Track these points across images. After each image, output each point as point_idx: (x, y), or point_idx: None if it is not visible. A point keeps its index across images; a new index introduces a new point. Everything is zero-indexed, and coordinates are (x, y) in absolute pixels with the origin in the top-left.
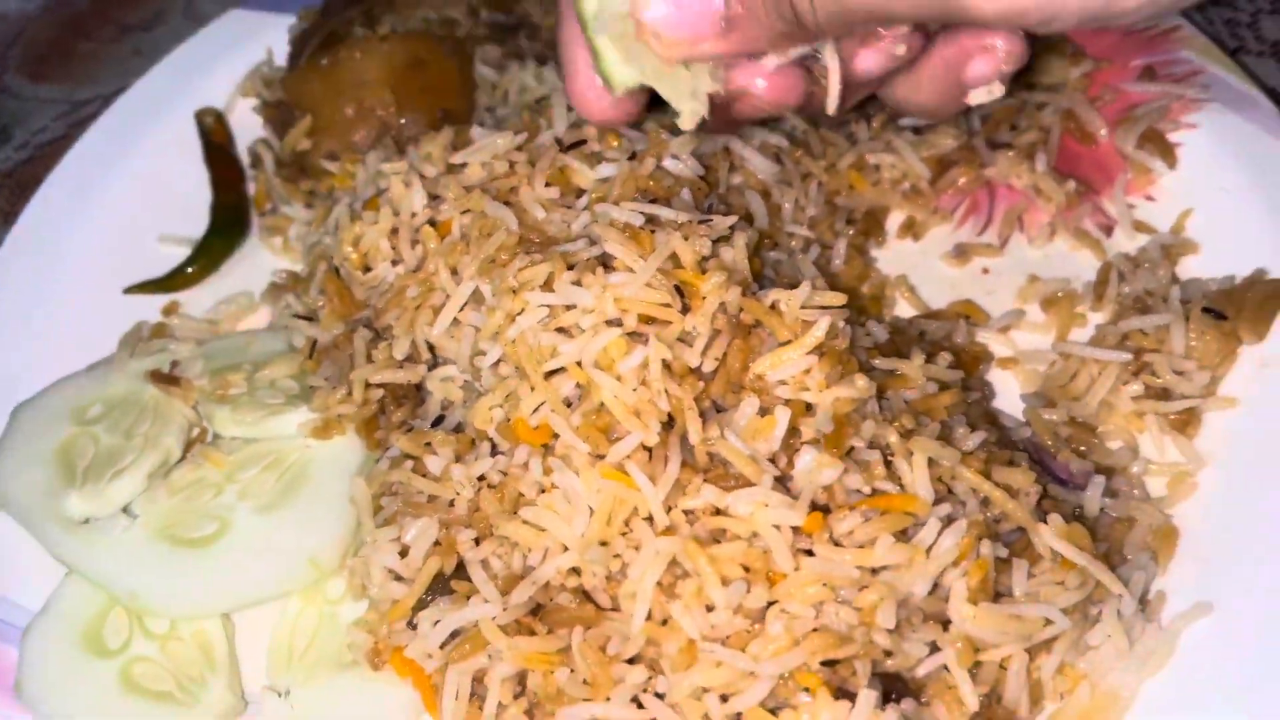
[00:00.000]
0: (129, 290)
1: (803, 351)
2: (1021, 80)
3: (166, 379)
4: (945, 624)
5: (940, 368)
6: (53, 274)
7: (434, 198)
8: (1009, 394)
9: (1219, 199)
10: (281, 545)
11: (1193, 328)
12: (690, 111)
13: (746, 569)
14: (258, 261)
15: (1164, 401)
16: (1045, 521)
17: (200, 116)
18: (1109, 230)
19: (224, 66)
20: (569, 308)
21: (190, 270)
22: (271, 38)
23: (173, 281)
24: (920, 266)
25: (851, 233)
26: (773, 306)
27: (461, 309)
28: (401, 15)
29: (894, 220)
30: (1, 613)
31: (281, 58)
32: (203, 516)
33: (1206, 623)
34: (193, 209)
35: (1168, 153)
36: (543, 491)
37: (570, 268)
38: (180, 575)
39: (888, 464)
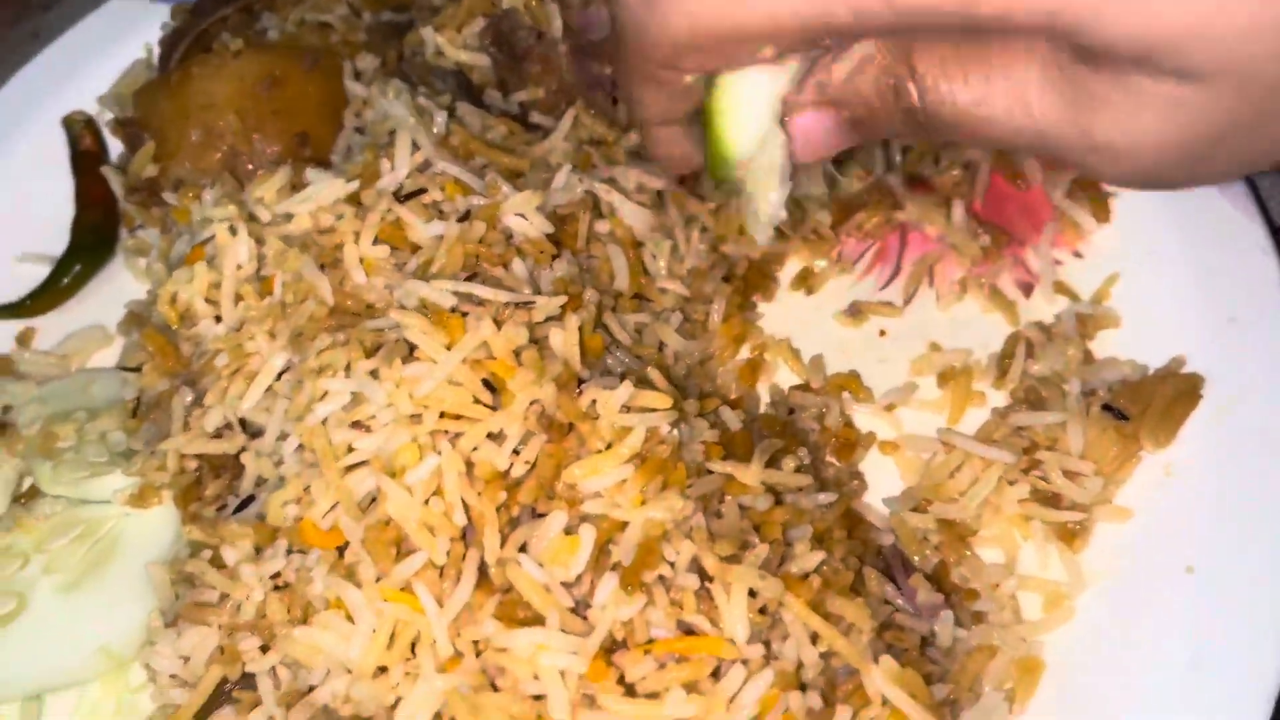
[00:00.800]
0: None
1: (618, 461)
2: None
3: None
4: None
5: (786, 473)
6: None
7: (261, 243)
8: (889, 482)
9: (1150, 265)
10: (77, 631)
11: (1091, 426)
12: (769, 220)
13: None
14: (123, 286)
15: (1052, 509)
16: (879, 659)
17: (68, 122)
18: (1029, 289)
19: (103, 64)
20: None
21: (46, 294)
22: (156, 32)
23: (26, 306)
24: (811, 325)
25: (730, 290)
26: (590, 407)
27: (278, 379)
28: (281, 15)
29: (790, 269)
30: None
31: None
32: (3, 592)
33: None
34: (59, 225)
35: (1100, 206)
36: (328, 604)
37: (372, 352)
38: None
39: (705, 592)
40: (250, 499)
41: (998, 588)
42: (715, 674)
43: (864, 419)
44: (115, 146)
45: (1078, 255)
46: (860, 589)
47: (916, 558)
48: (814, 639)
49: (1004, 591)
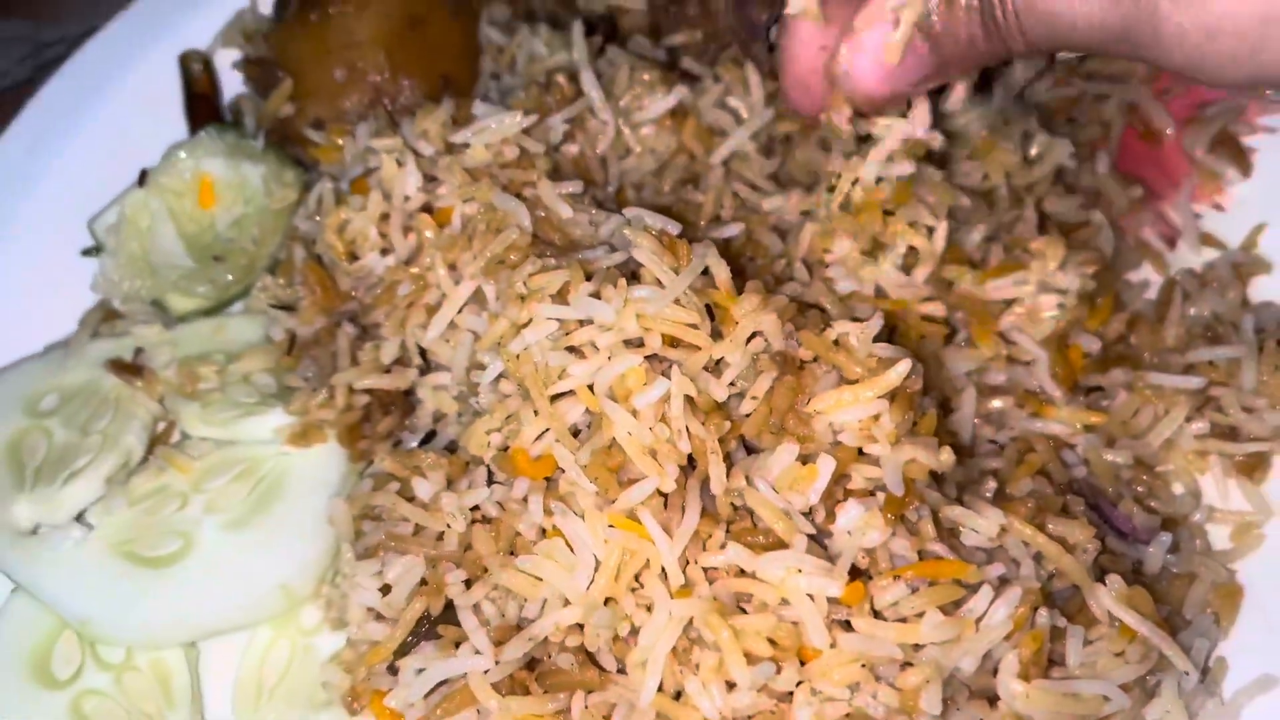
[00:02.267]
0: (87, 252)
1: (875, 394)
2: (1082, 67)
3: (129, 369)
4: (993, 699)
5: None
6: (8, 237)
7: (430, 180)
8: None
9: None
10: (251, 569)
11: (1265, 361)
12: None
13: (774, 643)
14: None
15: (1231, 442)
16: (1104, 581)
17: (185, 61)
18: (1172, 242)
19: (205, 10)
20: (584, 323)
21: None
22: None
23: None
24: None
25: None
26: (838, 342)
27: (459, 311)
28: None
29: None
30: None
31: (268, 6)
32: (165, 532)
33: (1271, 699)
34: None
35: (1241, 159)
36: (544, 534)
37: (589, 277)
38: (138, 600)
39: (936, 522)
40: (431, 435)
41: (1188, 518)
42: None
43: None
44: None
45: (1218, 208)
46: (1069, 514)
47: (1111, 490)
48: (1037, 561)
49: (1195, 521)
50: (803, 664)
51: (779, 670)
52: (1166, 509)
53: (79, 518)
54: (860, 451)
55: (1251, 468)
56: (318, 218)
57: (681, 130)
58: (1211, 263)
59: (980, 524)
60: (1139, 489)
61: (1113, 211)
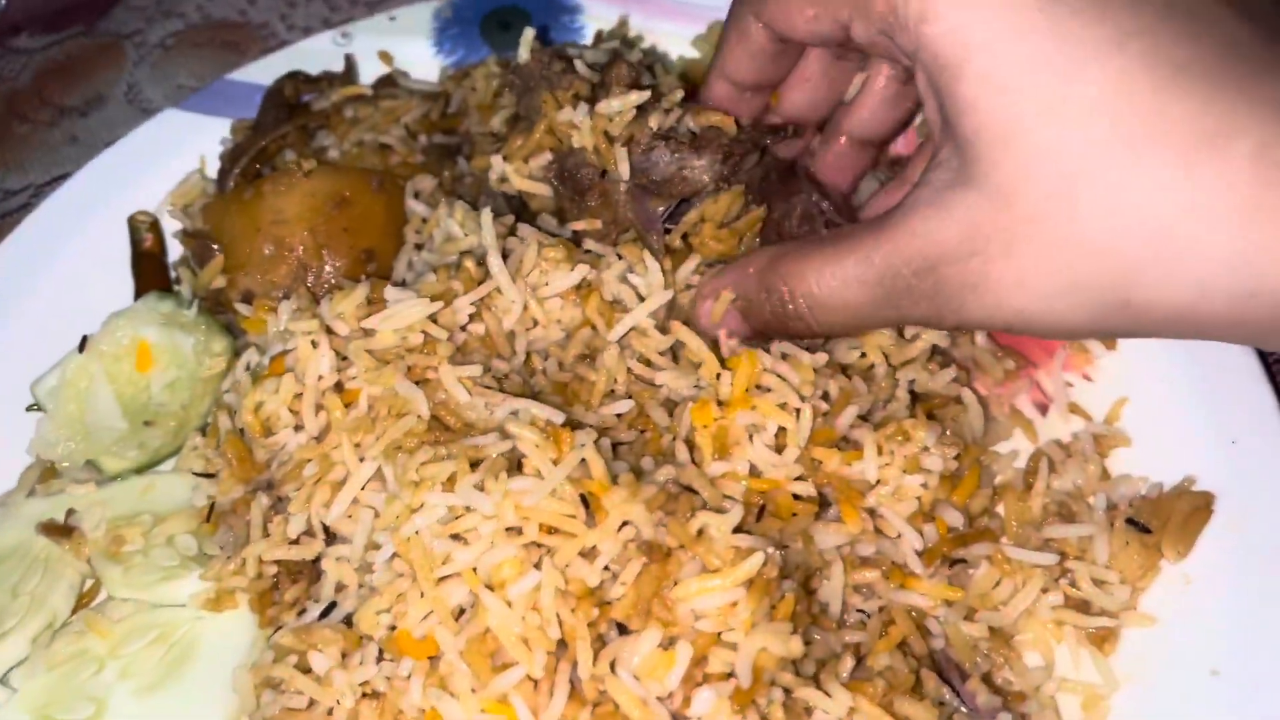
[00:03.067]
0: (31, 409)
1: (733, 582)
2: None
3: (60, 530)
4: None
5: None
6: None
7: (344, 359)
8: None
9: (1156, 390)
10: None
11: (1116, 538)
12: None
13: None
14: None
15: (1084, 615)
16: None
17: (134, 222)
18: (1044, 409)
19: (156, 173)
20: (469, 510)
21: None
22: (208, 144)
23: None
24: None
25: None
26: (701, 531)
27: (363, 489)
28: (338, 134)
29: None
30: None
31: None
32: (80, 697)
33: None
34: None
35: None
36: (423, 715)
37: (475, 465)
38: None
39: (792, 703)
40: (332, 605)
41: (1038, 690)
42: None
43: None
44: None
45: (1088, 379)
46: (919, 692)
47: (966, 663)
48: None
49: (1045, 693)
50: None
51: None
52: (1019, 682)
53: (3, 678)
54: (720, 635)
55: (1101, 640)
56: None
57: (585, 304)
58: (1076, 433)
59: (830, 705)
60: (997, 659)
61: (988, 382)
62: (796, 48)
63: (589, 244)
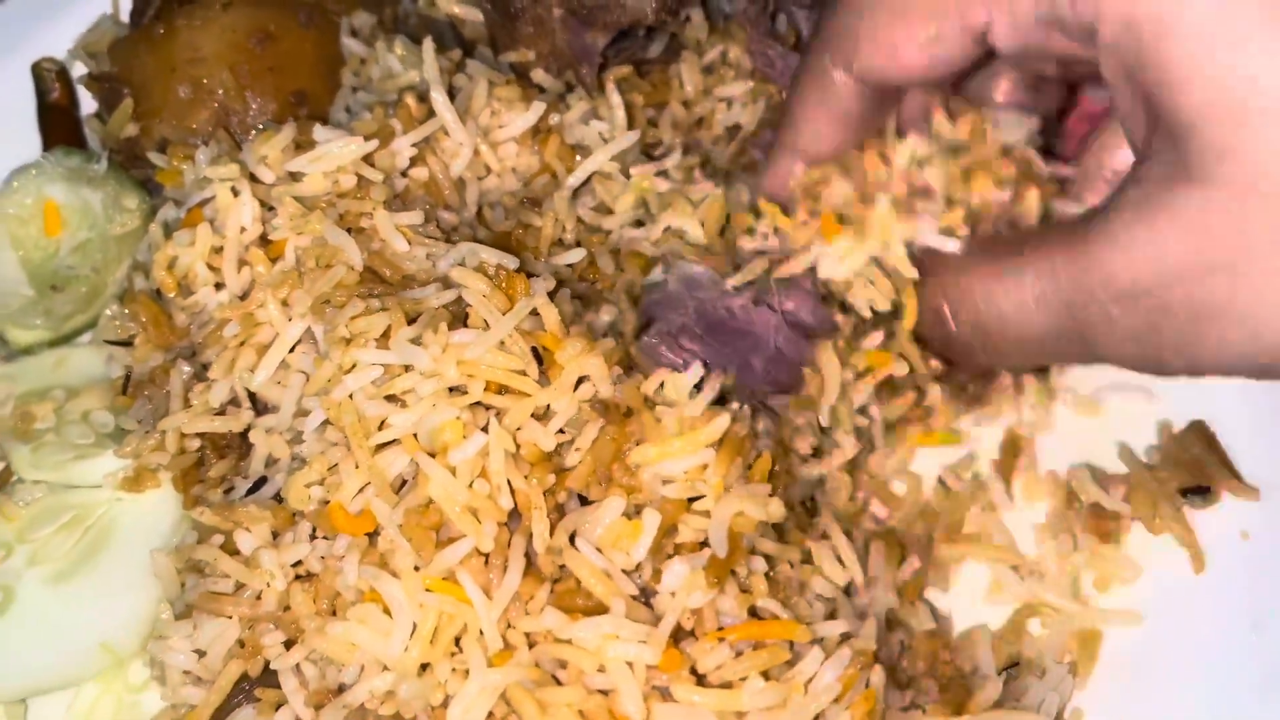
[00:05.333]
0: None
1: (697, 446)
2: None
3: None
4: None
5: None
6: None
7: (270, 208)
8: None
9: None
10: (72, 625)
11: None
12: None
13: (584, 716)
14: None
15: None
16: None
17: (38, 70)
18: None
19: (64, 20)
20: (407, 369)
21: None
22: None
23: None
24: None
25: None
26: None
27: (291, 351)
28: None
29: None
30: None
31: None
32: None
33: None
34: None
35: None
36: (361, 596)
37: (413, 319)
38: None
39: (774, 576)
40: (262, 480)
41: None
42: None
43: None
44: (86, 103)
45: None
46: None
47: None
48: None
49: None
50: None
51: None
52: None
53: None
54: (691, 502)
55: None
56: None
57: (544, 148)
58: None
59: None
60: None
61: None
62: (894, 97)
63: (538, 77)
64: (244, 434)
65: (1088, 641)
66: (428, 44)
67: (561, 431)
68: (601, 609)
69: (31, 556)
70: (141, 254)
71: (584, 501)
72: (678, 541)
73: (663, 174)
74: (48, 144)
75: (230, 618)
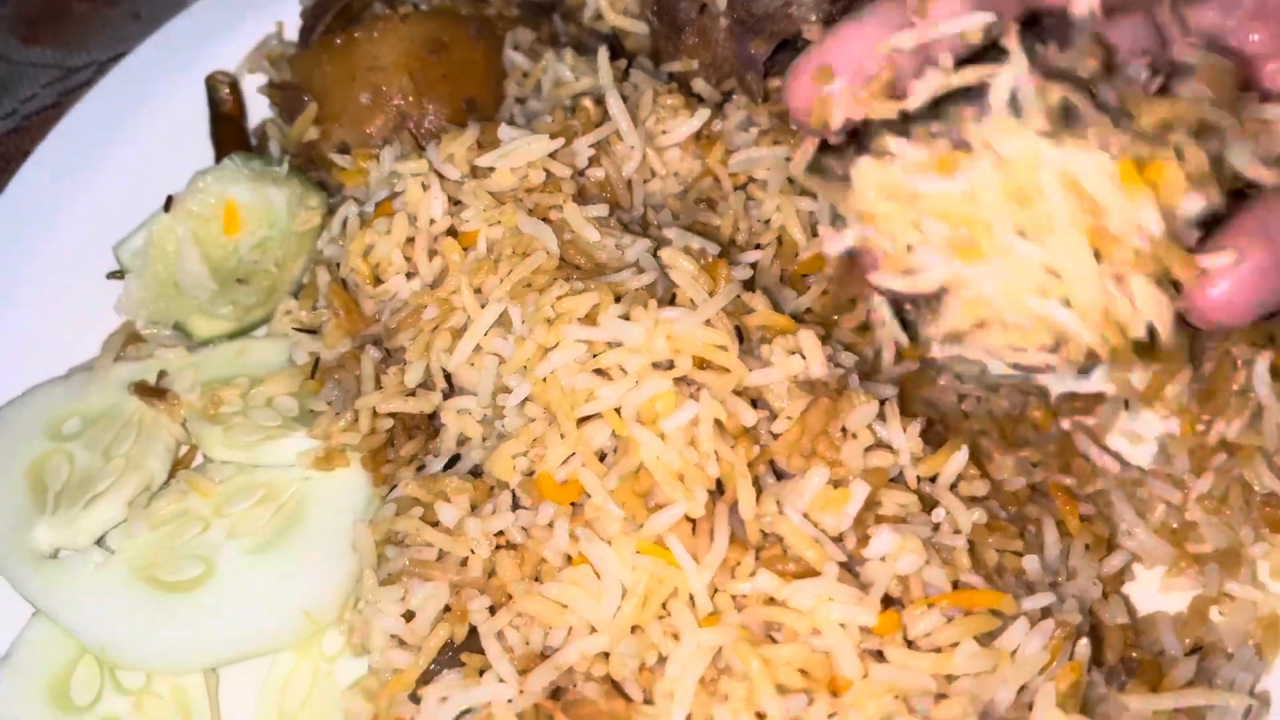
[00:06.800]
0: (113, 275)
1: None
2: None
3: (152, 392)
4: None
5: None
6: (31, 263)
7: (455, 204)
8: None
9: None
10: (273, 594)
11: None
12: None
13: (805, 674)
14: None
15: None
16: None
17: (212, 82)
18: None
19: (231, 36)
20: (612, 346)
21: None
22: (282, 9)
23: None
24: None
25: None
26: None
27: (485, 335)
28: None
29: None
30: None
31: (293, 32)
32: (187, 556)
33: None
34: None
35: None
36: (569, 561)
37: (618, 299)
38: (159, 625)
39: (972, 551)
40: (455, 458)
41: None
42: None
43: None
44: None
45: None
46: None
47: None
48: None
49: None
50: (835, 696)
51: (810, 702)
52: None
53: (100, 542)
54: (892, 477)
55: None
56: (341, 242)
57: (706, 154)
58: None
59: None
60: None
61: None
62: None
63: (698, 86)
64: (431, 416)
65: (1271, 627)
66: (603, 52)
67: (754, 405)
68: (810, 574)
69: (230, 530)
70: (325, 248)
71: (778, 477)
72: (880, 514)
73: None
74: (220, 151)
75: (440, 582)
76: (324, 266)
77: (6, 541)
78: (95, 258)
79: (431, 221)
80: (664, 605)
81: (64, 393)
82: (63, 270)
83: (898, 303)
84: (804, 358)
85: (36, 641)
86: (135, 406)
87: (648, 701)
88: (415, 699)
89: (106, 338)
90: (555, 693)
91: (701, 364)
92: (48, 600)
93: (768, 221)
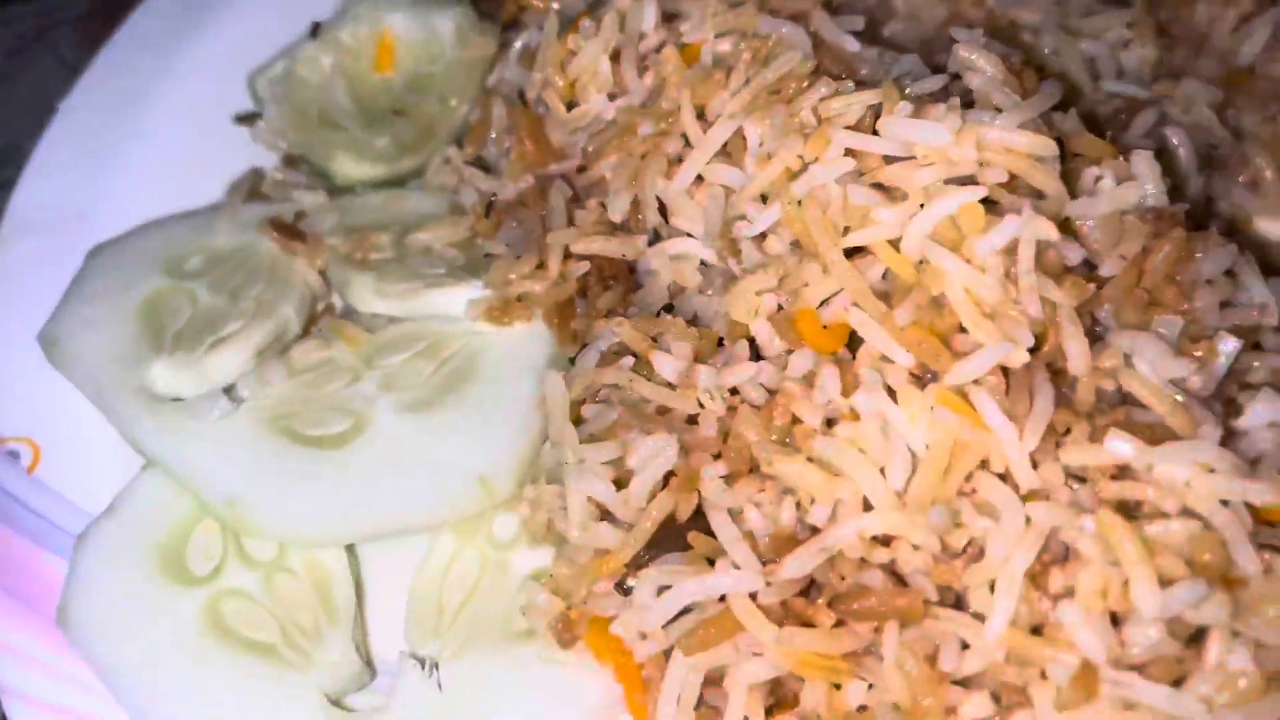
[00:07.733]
0: (241, 119)
1: None
2: None
3: (290, 231)
4: None
5: None
6: (151, 91)
7: (671, 18)
8: None
9: None
10: (439, 456)
11: None
12: None
13: (1190, 565)
14: None
15: None
16: None
17: None
18: None
19: None
20: (889, 160)
21: None
22: None
23: None
24: None
25: None
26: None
27: (708, 163)
28: None
29: None
30: (51, 512)
31: None
32: (331, 409)
33: None
34: None
35: None
36: (829, 422)
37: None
38: (297, 483)
39: None
40: (668, 308)
41: None
42: None
43: None
44: None
45: None
46: None
47: None
48: None
49: None
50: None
51: (1204, 597)
52: None
53: (227, 391)
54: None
55: None
56: (525, 65)
57: None
58: None
59: None
60: None
61: None
62: None
63: None
64: (631, 268)
65: None
66: None
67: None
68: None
69: (383, 382)
70: (508, 73)
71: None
72: (1244, 381)
73: None
74: None
75: (670, 435)
76: (499, 100)
77: (116, 380)
78: (226, 95)
79: (643, 35)
80: (968, 479)
81: (186, 229)
82: (192, 106)
83: None
84: (1143, 185)
85: (147, 498)
86: (267, 249)
87: (946, 603)
88: (623, 590)
89: (232, 181)
90: (804, 591)
91: (1010, 186)
92: (164, 446)
93: None
